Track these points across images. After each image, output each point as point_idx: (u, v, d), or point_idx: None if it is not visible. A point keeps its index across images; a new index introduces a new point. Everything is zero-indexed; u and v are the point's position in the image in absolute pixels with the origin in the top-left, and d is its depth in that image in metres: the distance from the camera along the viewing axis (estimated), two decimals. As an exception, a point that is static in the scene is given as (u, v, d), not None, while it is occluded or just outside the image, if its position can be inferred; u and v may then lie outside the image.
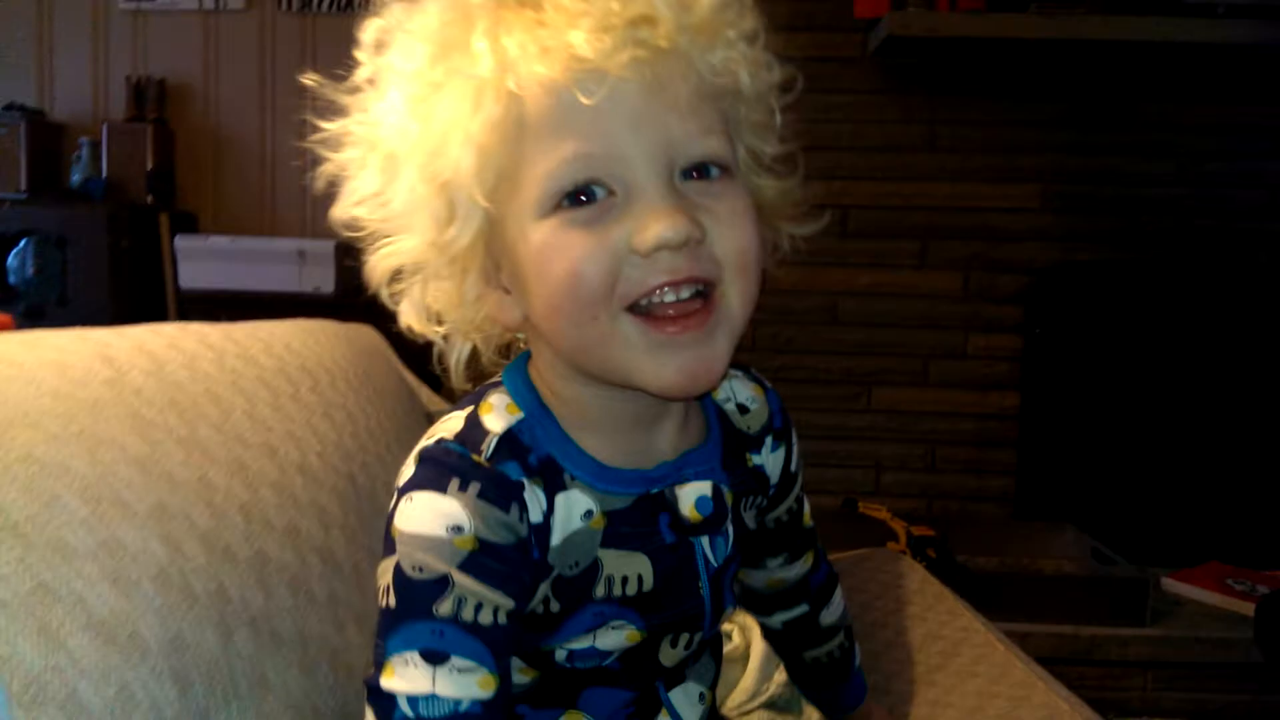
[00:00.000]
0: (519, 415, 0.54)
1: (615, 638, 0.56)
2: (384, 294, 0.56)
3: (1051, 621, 2.04)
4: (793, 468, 0.67)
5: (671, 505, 0.56)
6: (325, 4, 2.83)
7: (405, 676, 0.48)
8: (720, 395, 0.63)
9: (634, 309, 0.50)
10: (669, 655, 0.59)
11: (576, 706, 0.58)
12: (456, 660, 0.48)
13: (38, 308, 2.69)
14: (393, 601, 0.50)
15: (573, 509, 0.53)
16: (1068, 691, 1.07)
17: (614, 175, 0.49)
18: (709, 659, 0.66)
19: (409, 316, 0.55)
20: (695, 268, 0.49)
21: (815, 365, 2.50)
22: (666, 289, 0.49)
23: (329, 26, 2.84)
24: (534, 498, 0.52)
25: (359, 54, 0.52)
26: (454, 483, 0.50)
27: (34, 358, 0.55)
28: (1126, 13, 2.14)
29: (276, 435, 0.72)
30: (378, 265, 0.54)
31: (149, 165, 2.84)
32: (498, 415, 0.54)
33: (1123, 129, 2.41)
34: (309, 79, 0.54)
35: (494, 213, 0.50)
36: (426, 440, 0.53)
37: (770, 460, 0.65)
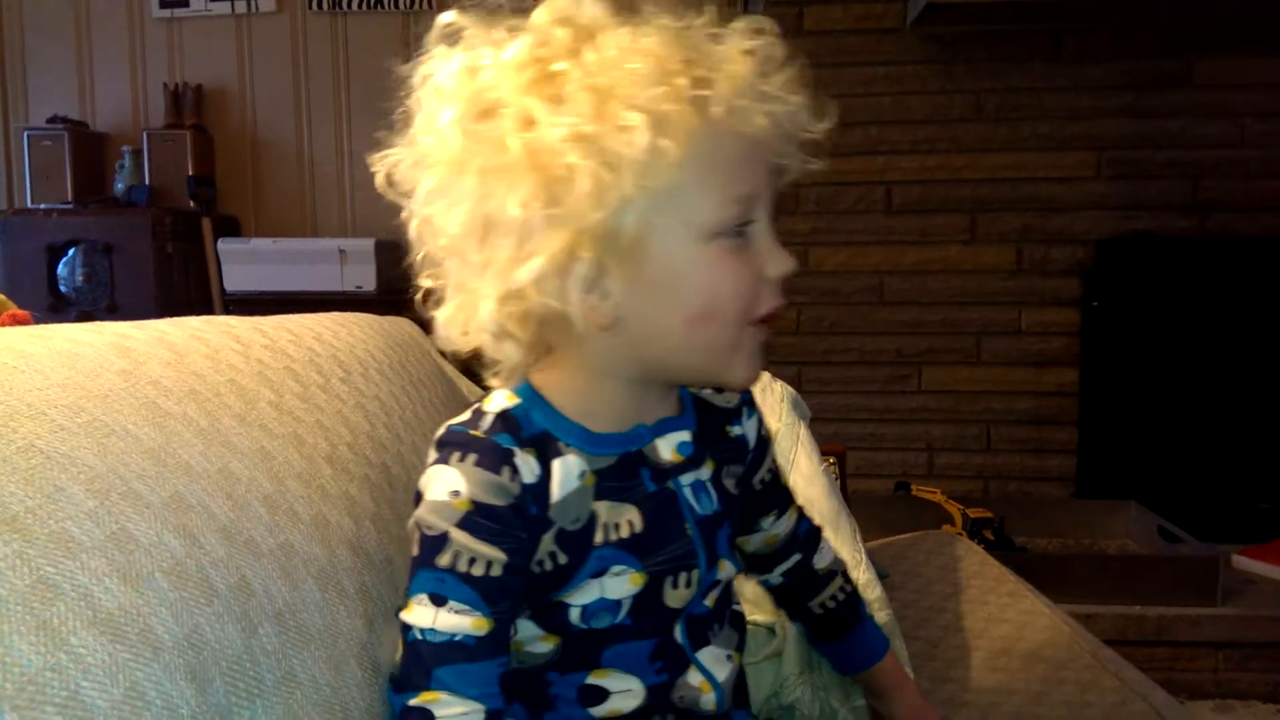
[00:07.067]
0: (516, 401, 0.64)
1: (620, 584, 0.63)
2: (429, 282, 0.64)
3: (1118, 602, 1.98)
4: (763, 432, 0.78)
5: (650, 460, 0.66)
6: (355, 2, 2.83)
7: (416, 613, 0.59)
8: None
9: (756, 321, 0.62)
10: (673, 597, 0.65)
11: (601, 666, 0.64)
12: (454, 604, 0.59)
13: (87, 315, 2.73)
14: (414, 550, 0.61)
15: (569, 471, 0.62)
16: (1139, 674, 1.03)
17: (756, 215, 0.61)
18: (731, 629, 0.71)
19: (484, 311, 0.61)
20: None
21: (863, 347, 2.44)
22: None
23: (360, 24, 2.84)
24: (525, 463, 0.61)
25: (569, 64, 0.58)
26: (455, 455, 0.60)
27: (44, 349, 0.54)
28: (1180, -34, 2.06)
29: (305, 426, 0.70)
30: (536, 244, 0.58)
31: (190, 171, 2.88)
32: (496, 401, 0.64)
33: (1180, 90, 2.32)
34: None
35: (643, 219, 0.58)
36: (439, 432, 0.64)
37: (749, 426, 0.75)
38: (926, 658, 1.06)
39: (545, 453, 0.62)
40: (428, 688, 0.58)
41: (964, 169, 2.37)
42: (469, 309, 0.61)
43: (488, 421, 0.62)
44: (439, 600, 0.59)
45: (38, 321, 0.91)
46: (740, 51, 0.60)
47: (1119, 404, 2.37)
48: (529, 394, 0.64)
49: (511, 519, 0.60)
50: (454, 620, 0.58)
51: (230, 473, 0.57)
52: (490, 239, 0.59)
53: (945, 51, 2.35)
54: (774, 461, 0.80)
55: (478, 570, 0.59)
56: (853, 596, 0.85)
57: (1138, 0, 2.14)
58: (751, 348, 0.63)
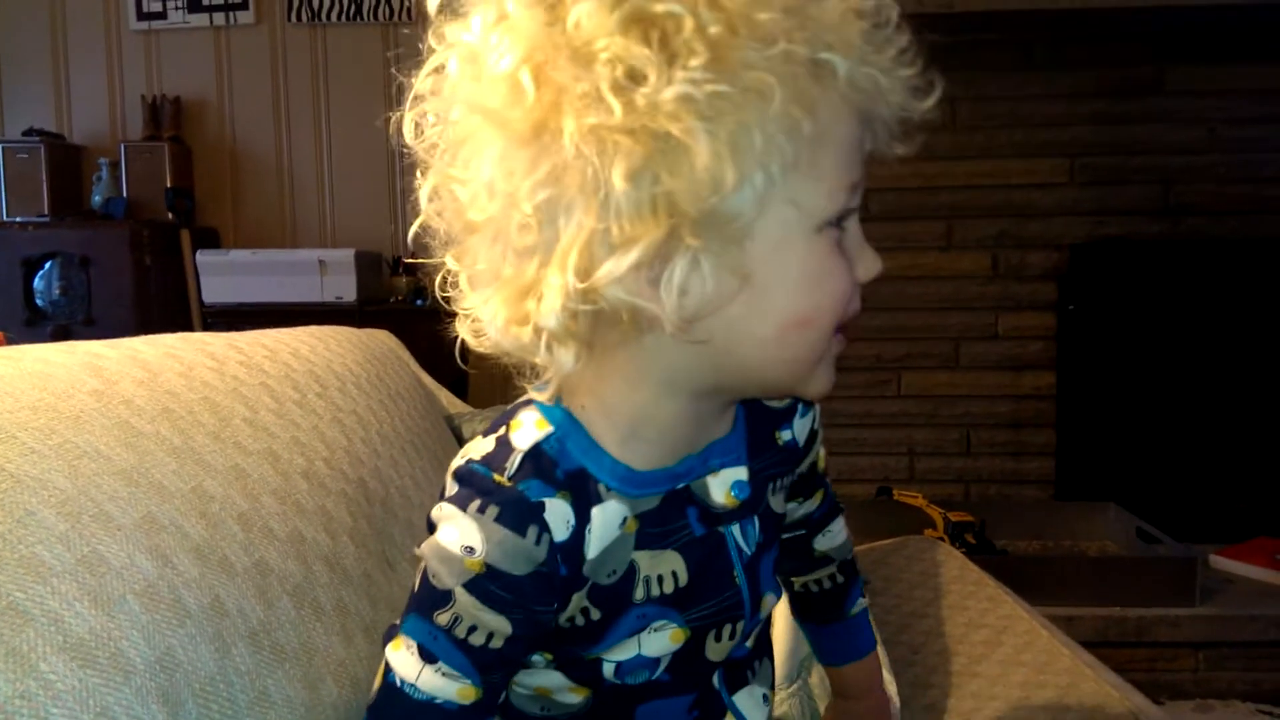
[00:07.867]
0: (548, 430, 0.54)
1: (659, 641, 0.56)
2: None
3: (1097, 604, 1.99)
4: (815, 425, 0.68)
5: (699, 498, 0.57)
6: (334, 14, 2.83)
7: (402, 658, 0.53)
8: None
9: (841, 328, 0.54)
10: (715, 650, 0.59)
11: None
12: (443, 666, 0.52)
13: (64, 328, 2.71)
14: (416, 587, 0.53)
15: (609, 521, 0.53)
16: (1117, 677, 1.03)
17: (855, 206, 0.52)
18: (768, 663, 0.66)
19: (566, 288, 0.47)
20: None
21: (842, 352, 2.45)
22: None
23: (339, 36, 2.84)
24: (557, 514, 0.52)
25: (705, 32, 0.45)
26: (475, 504, 0.51)
27: (15, 371, 0.54)
28: (1150, -25, 2.08)
29: (280, 442, 0.70)
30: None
31: (168, 183, 2.86)
32: (525, 431, 0.54)
33: (1151, 97, 2.34)
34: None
35: (758, 204, 0.47)
36: (459, 460, 0.54)
37: (799, 426, 0.65)
38: (907, 664, 1.06)
39: (582, 497, 0.53)
40: None
41: (938, 176, 2.39)
42: (511, 304, 0.49)
43: (515, 462, 0.52)
44: (428, 657, 0.52)
45: (11, 341, 0.90)
46: (851, 10, 0.48)
47: (1096, 407, 2.39)
48: (564, 420, 0.54)
49: (529, 590, 0.51)
50: (439, 683, 0.52)
51: (204, 491, 0.57)
52: (561, 218, 0.46)
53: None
54: (818, 452, 0.72)
55: (476, 640, 0.51)
56: (842, 588, 0.78)
57: (1109, 9, 2.16)
58: (832, 355, 0.55)
